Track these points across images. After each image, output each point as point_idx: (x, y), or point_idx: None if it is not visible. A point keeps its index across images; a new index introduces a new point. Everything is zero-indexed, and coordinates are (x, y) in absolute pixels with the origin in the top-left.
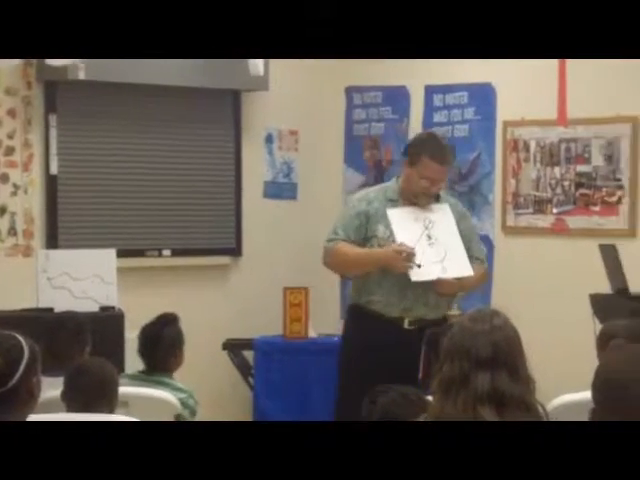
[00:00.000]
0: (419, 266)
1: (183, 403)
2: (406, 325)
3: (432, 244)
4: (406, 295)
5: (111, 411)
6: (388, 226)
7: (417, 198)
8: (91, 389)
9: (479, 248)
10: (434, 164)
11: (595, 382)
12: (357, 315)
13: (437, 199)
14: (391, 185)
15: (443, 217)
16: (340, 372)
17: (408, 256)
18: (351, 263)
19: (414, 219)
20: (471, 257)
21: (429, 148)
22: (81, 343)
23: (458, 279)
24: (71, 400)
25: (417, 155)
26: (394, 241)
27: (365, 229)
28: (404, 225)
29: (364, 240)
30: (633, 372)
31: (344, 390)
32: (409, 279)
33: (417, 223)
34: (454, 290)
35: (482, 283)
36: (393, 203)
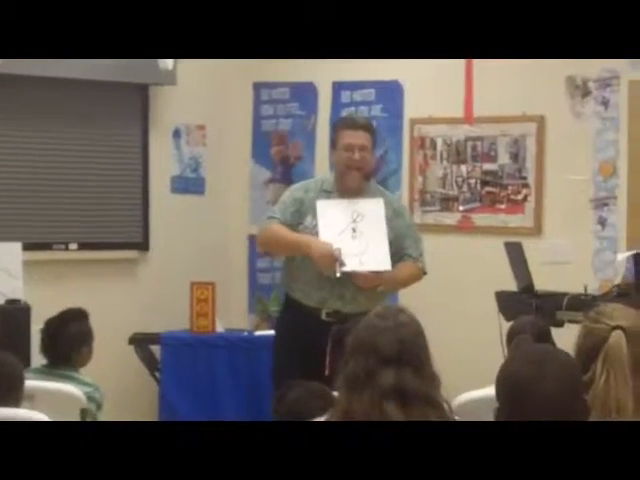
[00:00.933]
0: (342, 266)
1: (89, 397)
2: (323, 316)
3: (355, 237)
4: (323, 286)
5: (17, 405)
6: (315, 217)
7: (345, 178)
8: None
9: (414, 246)
10: (348, 131)
11: (498, 381)
12: (285, 304)
13: (367, 179)
14: (328, 177)
15: (373, 210)
16: (273, 362)
17: (334, 260)
18: (282, 243)
19: (342, 211)
20: (403, 255)
21: (342, 120)
22: None
23: (377, 274)
24: None
25: (335, 133)
26: (317, 232)
27: (298, 216)
28: (330, 217)
29: (295, 227)
30: (534, 371)
31: (275, 381)
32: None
33: (344, 215)
34: (372, 285)
35: (413, 281)
36: (327, 194)
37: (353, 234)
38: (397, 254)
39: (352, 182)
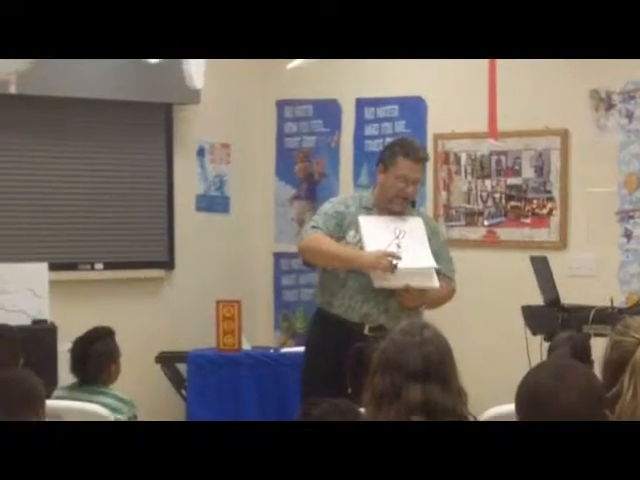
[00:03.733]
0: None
1: (116, 413)
2: (366, 331)
3: (400, 252)
4: (368, 300)
5: None
6: (358, 232)
7: (392, 203)
8: (14, 400)
9: (448, 266)
10: (408, 162)
11: (518, 394)
12: (319, 320)
13: (412, 206)
14: (366, 195)
15: (414, 228)
16: (303, 378)
17: (389, 263)
18: (330, 253)
19: (385, 228)
20: (439, 274)
21: (402, 147)
22: (13, 356)
23: (422, 293)
24: None
25: (391, 158)
26: (362, 247)
27: (339, 229)
28: (374, 233)
29: (337, 240)
30: (553, 383)
31: (306, 398)
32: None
33: (387, 232)
34: (417, 303)
35: (447, 301)
36: (368, 211)
37: (398, 250)
38: None
39: (398, 208)
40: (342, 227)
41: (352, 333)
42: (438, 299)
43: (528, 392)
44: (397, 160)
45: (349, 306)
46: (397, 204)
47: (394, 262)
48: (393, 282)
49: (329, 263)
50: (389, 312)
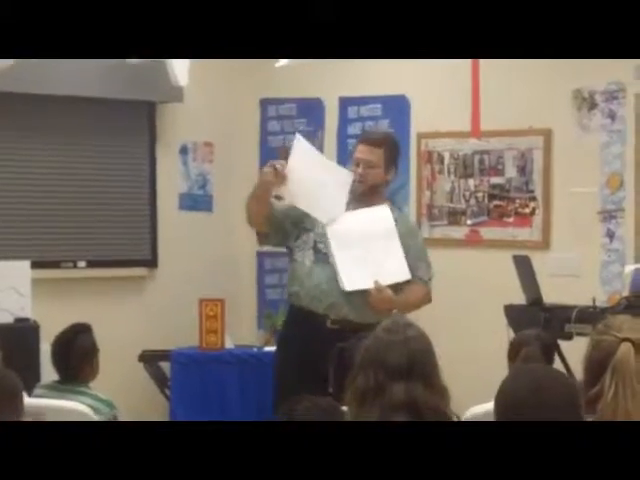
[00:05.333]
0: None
1: (97, 412)
2: (329, 324)
3: (365, 250)
4: (332, 290)
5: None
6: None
7: (352, 190)
8: None
9: (425, 269)
10: (359, 145)
11: (497, 401)
12: (288, 314)
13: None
14: None
15: (381, 219)
16: (273, 373)
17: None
18: (248, 201)
19: (351, 228)
20: (415, 276)
21: (361, 134)
22: None
23: (393, 295)
24: None
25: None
26: (323, 242)
27: (301, 216)
28: (343, 241)
29: (294, 224)
30: (533, 397)
31: (275, 392)
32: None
33: (354, 233)
34: (388, 306)
35: (420, 306)
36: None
37: (365, 250)
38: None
39: (355, 191)
40: (307, 216)
41: (316, 326)
42: (413, 303)
43: (506, 403)
44: (355, 146)
45: (314, 296)
46: (355, 190)
47: (277, 167)
48: (360, 285)
49: (251, 210)
50: (353, 303)
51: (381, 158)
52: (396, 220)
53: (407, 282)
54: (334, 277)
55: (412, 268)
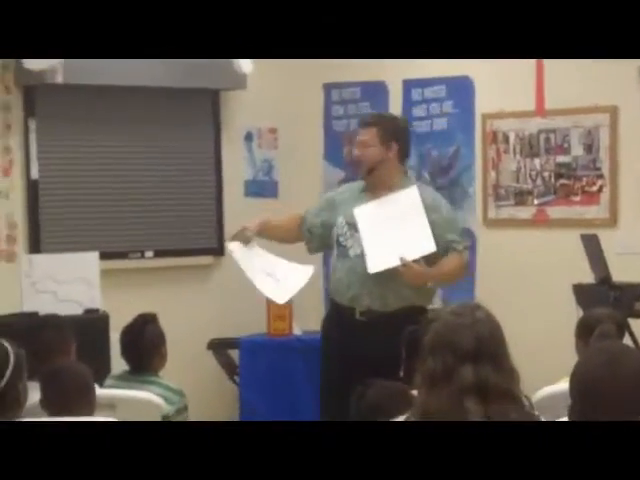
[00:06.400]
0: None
1: (169, 402)
2: (357, 316)
3: (395, 233)
4: (352, 283)
5: (91, 413)
6: (347, 219)
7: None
8: (68, 391)
9: (455, 239)
10: (358, 129)
11: (572, 379)
12: (329, 306)
13: (404, 186)
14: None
15: (408, 199)
16: (320, 363)
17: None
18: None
19: (378, 212)
20: (448, 248)
21: None
22: (64, 345)
23: (424, 267)
24: (49, 404)
25: None
26: (346, 233)
27: (328, 215)
28: (369, 221)
29: (325, 225)
30: (608, 372)
31: (321, 381)
32: (362, 267)
33: (381, 216)
34: (420, 279)
35: (459, 275)
36: (359, 194)
37: (392, 232)
38: (438, 248)
39: (359, 175)
40: (331, 213)
41: (346, 318)
42: (447, 273)
43: (582, 379)
44: None
45: (338, 289)
46: (359, 172)
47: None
48: (385, 265)
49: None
50: (373, 294)
51: (375, 136)
52: (422, 197)
53: (442, 255)
54: (353, 269)
55: (441, 241)
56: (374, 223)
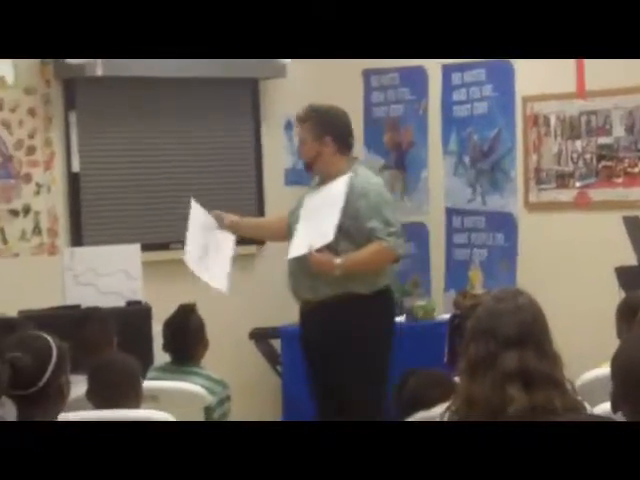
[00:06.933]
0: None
1: (211, 392)
2: (300, 305)
3: (310, 222)
4: (291, 274)
5: (137, 406)
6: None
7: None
8: (115, 384)
9: (381, 226)
10: None
11: (613, 364)
12: None
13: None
14: None
15: (333, 190)
16: None
17: None
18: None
19: (309, 205)
20: (370, 236)
21: None
22: (107, 338)
23: (329, 258)
24: (96, 396)
25: None
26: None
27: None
28: (303, 213)
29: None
30: None
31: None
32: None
33: (310, 208)
34: (327, 268)
35: (378, 263)
36: (315, 187)
37: (310, 222)
38: (364, 235)
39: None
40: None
41: (300, 308)
42: (359, 261)
43: (623, 363)
44: None
45: (288, 281)
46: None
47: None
48: (296, 252)
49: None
50: (304, 284)
51: (308, 132)
52: (352, 184)
53: (366, 243)
54: (291, 261)
55: (363, 228)
56: (304, 214)
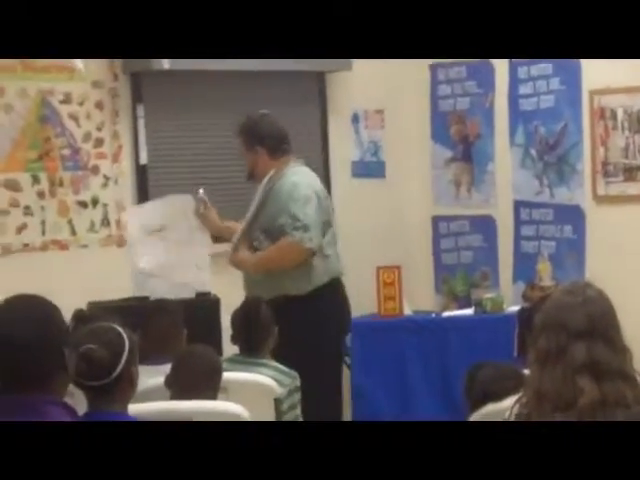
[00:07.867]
0: None
1: (280, 384)
2: None
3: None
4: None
5: (214, 397)
6: None
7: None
8: (200, 374)
9: (287, 222)
10: None
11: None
12: None
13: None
14: None
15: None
16: None
17: None
18: None
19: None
20: (281, 232)
21: None
22: (176, 330)
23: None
24: (178, 385)
25: None
26: None
27: None
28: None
29: None
30: None
31: None
32: None
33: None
34: (243, 267)
35: (290, 255)
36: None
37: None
38: (279, 234)
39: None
40: None
41: None
42: (265, 258)
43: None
44: None
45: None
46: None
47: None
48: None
49: None
50: (251, 286)
51: (243, 145)
52: (272, 187)
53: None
54: None
55: (273, 225)
56: None
